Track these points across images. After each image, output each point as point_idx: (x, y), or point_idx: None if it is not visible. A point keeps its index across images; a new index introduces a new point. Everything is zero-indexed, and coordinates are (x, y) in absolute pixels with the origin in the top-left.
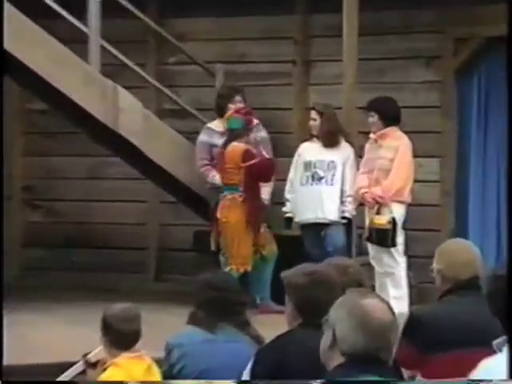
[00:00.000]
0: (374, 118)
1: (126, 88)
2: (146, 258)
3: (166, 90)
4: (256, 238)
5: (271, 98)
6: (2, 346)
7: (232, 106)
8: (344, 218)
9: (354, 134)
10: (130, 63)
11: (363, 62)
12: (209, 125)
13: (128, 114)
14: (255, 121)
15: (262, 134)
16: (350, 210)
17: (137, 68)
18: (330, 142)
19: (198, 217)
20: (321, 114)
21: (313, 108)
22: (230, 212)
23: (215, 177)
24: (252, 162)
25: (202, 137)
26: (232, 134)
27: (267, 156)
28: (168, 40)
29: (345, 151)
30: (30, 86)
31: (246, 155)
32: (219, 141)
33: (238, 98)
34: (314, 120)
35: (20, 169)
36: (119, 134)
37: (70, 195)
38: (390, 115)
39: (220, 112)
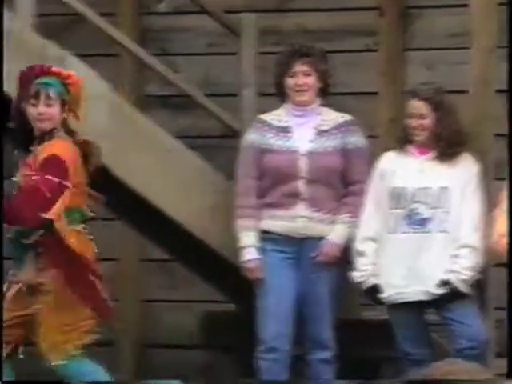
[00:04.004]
0: None
1: (84, 58)
2: (115, 356)
3: (154, 62)
4: None
5: (339, 75)
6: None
7: (291, 81)
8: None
9: (487, 137)
10: (90, 12)
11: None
12: (263, 116)
13: (83, 105)
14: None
15: (355, 138)
16: (468, 273)
17: (101, 21)
18: (445, 153)
19: (214, 289)
20: (430, 104)
21: (414, 94)
22: None
23: (244, 235)
24: None
25: (250, 138)
26: None
27: None
28: None
29: (466, 169)
30: None
31: None
32: (278, 142)
33: (300, 66)
34: (420, 116)
35: None
36: None
37: None
38: None
39: (279, 91)
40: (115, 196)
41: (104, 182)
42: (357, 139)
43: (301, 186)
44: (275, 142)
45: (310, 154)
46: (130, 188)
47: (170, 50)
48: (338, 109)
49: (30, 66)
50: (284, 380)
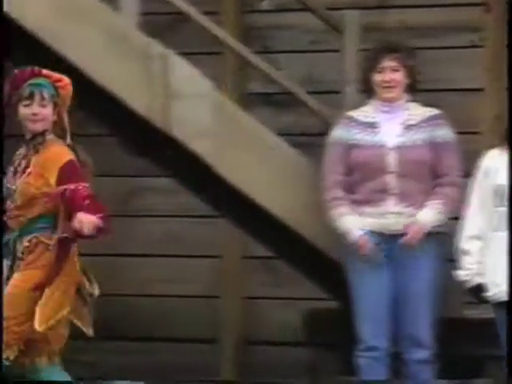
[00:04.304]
0: None
1: (187, 56)
2: (216, 355)
3: (257, 59)
4: None
5: (443, 71)
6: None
7: (378, 77)
8: None
9: None
10: (193, 11)
11: None
12: (350, 113)
13: (187, 103)
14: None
15: (444, 131)
16: None
17: (205, 20)
18: None
19: (316, 287)
20: None
21: None
22: None
23: (346, 220)
24: None
25: (337, 133)
26: None
27: None
28: None
29: None
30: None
31: None
32: (366, 137)
33: (388, 62)
34: None
35: None
36: (172, 138)
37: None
38: None
39: (366, 87)
40: (218, 193)
41: (207, 179)
42: (445, 133)
43: (390, 180)
44: (362, 137)
45: (399, 148)
46: (233, 185)
47: (272, 47)
48: (441, 105)
49: (20, 68)
50: (384, 379)
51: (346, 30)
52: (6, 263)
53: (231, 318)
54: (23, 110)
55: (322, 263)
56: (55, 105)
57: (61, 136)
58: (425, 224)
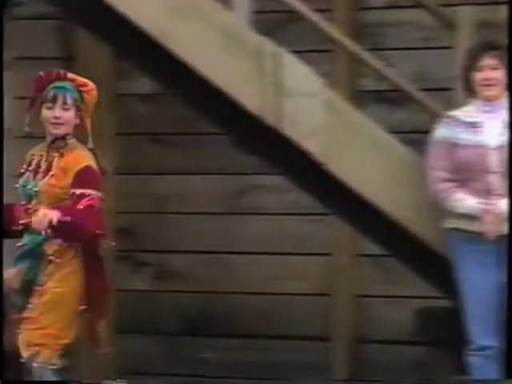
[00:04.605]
0: None
1: (299, 54)
2: (328, 354)
3: (368, 57)
4: None
5: None
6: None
7: (478, 75)
8: None
9: None
10: (305, 9)
11: None
12: (453, 112)
13: (299, 101)
14: None
15: None
16: None
17: (317, 17)
18: None
19: (428, 285)
20: None
21: None
22: None
23: (466, 202)
24: None
25: (440, 133)
26: None
27: None
28: None
29: None
30: (127, 52)
31: None
32: (469, 137)
33: (488, 60)
34: None
35: (107, 197)
36: (284, 137)
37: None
38: None
39: (467, 86)
40: (329, 191)
41: (318, 177)
42: None
43: (493, 180)
44: (465, 136)
45: (501, 148)
46: (345, 183)
47: (383, 44)
48: None
49: (46, 71)
50: (495, 378)
51: (459, 27)
52: (21, 265)
53: (342, 316)
54: (45, 113)
55: (434, 261)
56: (78, 109)
57: (83, 141)
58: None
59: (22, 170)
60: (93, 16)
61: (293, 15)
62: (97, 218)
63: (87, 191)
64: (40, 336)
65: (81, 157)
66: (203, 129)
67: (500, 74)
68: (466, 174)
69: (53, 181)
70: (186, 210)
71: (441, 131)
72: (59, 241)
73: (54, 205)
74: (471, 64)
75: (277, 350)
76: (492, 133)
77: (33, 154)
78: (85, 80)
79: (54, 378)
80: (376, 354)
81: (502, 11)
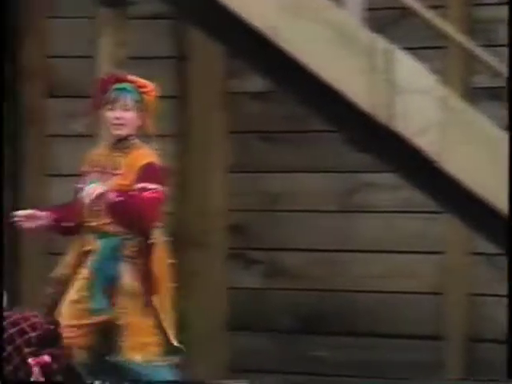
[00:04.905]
0: None
1: (411, 51)
2: (441, 353)
3: (482, 53)
4: None
5: None
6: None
7: None
8: None
9: None
10: (418, 5)
11: None
12: None
13: (412, 98)
14: None
15: None
16: None
17: (430, 14)
18: None
19: None
20: None
21: None
22: None
23: None
24: None
25: None
26: None
27: None
28: None
29: None
30: (239, 50)
31: None
32: None
33: None
34: None
35: (219, 195)
36: (396, 134)
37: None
38: None
39: None
40: (443, 189)
41: (431, 174)
42: None
43: None
44: None
45: None
46: (459, 181)
47: (496, 40)
48: None
49: (108, 73)
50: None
51: None
52: (97, 268)
53: (456, 315)
54: (107, 114)
55: None
56: (139, 110)
57: (146, 141)
58: None
59: (86, 170)
60: (206, 15)
61: (405, 12)
62: (157, 210)
63: (150, 185)
64: (146, 335)
65: (145, 154)
66: (314, 126)
67: None
68: None
69: (121, 180)
70: (297, 208)
71: None
72: (135, 242)
73: None
74: None
75: (389, 348)
76: None
77: (95, 155)
78: (145, 81)
79: (170, 375)
80: (490, 354)
81: None
